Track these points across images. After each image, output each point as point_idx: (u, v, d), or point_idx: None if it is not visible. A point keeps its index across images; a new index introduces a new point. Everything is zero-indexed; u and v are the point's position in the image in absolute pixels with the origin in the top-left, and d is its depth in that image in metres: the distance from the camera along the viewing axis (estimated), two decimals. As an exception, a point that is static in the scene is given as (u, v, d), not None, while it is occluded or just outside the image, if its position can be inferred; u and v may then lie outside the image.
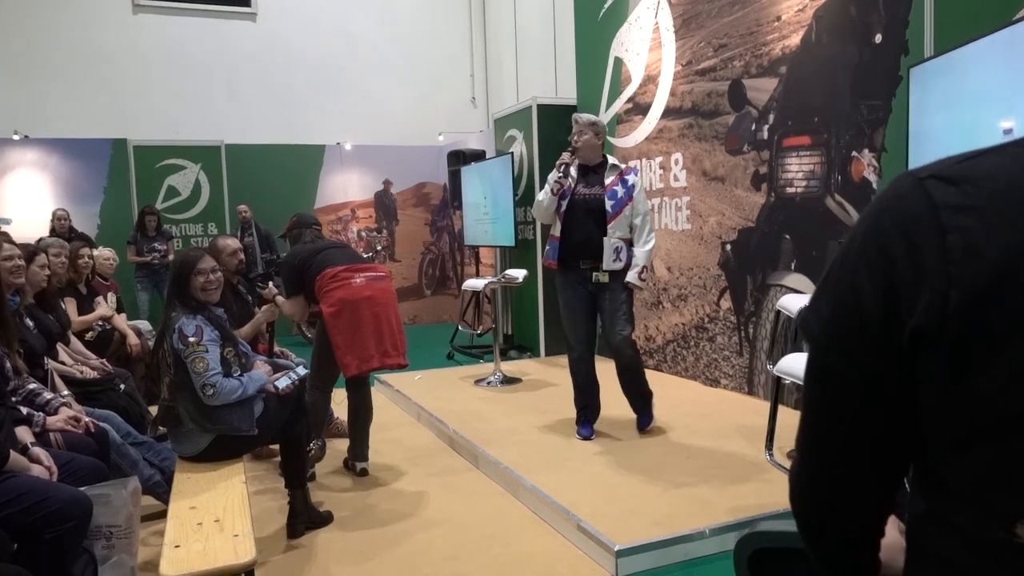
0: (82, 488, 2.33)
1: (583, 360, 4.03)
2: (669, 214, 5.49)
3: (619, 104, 6.05)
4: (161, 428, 3.20)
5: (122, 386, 3.92)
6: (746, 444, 3.79)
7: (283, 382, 2.95)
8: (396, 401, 5.35)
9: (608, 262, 3.86)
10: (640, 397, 4.10)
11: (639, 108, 5.79)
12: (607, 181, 3.94)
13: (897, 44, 3.67)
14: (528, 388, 5.32)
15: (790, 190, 4.41)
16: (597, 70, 6.28)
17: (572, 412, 4.14)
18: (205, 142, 8.79)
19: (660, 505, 3.09)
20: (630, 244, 3.91)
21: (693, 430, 4.09)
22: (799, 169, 4.35)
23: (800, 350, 3.47)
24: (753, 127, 4.67)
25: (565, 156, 3.96)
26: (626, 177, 3.93)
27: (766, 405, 4.55)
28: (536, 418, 4.47)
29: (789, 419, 3.31)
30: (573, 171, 3.99)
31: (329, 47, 10.13)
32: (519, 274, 5.53)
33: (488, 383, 5.44)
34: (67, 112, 8.92)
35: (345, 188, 9.87)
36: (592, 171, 3.98)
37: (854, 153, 3.97)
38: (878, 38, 3.79)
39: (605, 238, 3.87)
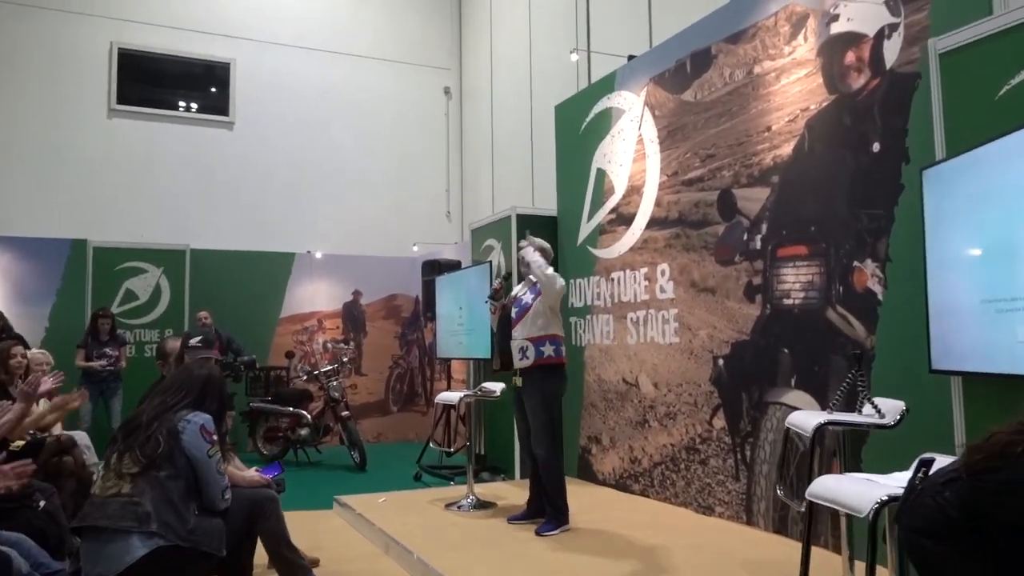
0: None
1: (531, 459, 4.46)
2: (655, 327, 5.23)
3: (602, 214, 5.92)
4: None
5: (42, 503, 3.39)
6: (755, 582, 3.36)
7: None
8: (358, 527, 4.81)
9: (516, 361, 4.34)
10: (551, 504, 4.30)
11: (623, 218, 5.66)
12: (520, 292, 4.49)
13: (897, 152, 3.57)
14: (504, 514, 4.82)
15: (787, 301, 4.20)
16: (579, 181, 6.19)
17: (552, 540, 3.82)
18: (170, 245, 8.46)
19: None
20: (542, 340, 4.29)
21: (692, 566, 3.64)
22: (796, 280, 4.15)
23: (810, 473, 3.11)
24: (745, 237, 4.51)
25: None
26: (536, 285, 4.39)
27: (768, 536, 4.16)
28: (516, 547, 3.98)
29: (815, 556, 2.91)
30: (513, 291, 4.62)
31: (305, 158, 10.10)
32: (497, 387, 5.15)
33: (460, 507, 4.94)
34: (27, 210, 8.61)
35: (313, 297, 9.56)
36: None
37: (856, 263, 3.79)
38: (876, 147, 3.70)
39: (512, 341, 4.35)
